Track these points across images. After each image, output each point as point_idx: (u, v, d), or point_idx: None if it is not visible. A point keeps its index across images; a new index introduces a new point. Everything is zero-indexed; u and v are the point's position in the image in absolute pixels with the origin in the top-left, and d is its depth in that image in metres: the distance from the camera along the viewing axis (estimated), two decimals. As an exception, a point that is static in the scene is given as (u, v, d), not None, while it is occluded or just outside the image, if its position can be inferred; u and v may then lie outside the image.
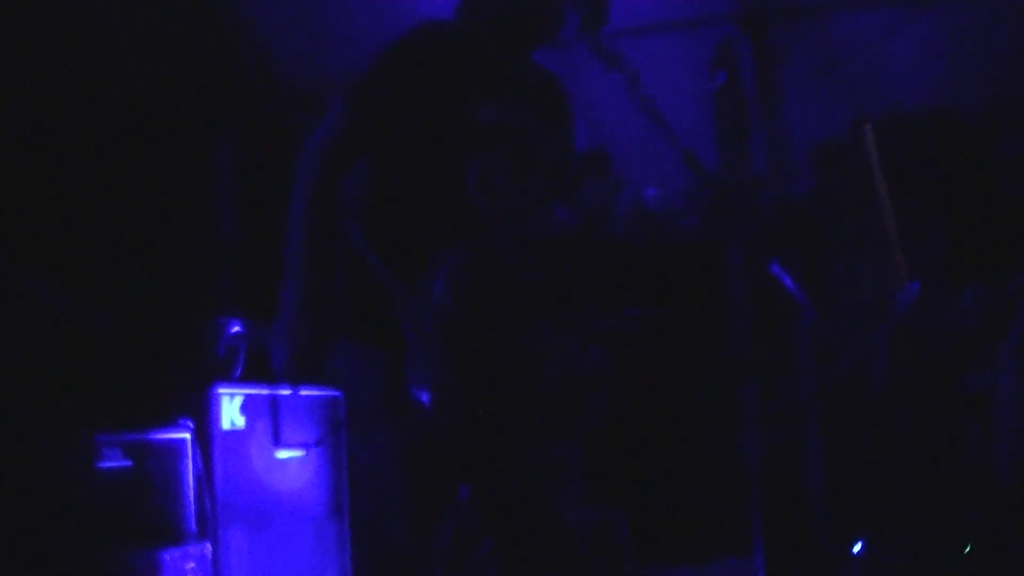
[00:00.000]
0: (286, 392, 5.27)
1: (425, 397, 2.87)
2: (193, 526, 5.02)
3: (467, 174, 2.93)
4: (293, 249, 3.06)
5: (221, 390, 5.25)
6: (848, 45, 5.93)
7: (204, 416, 5.16)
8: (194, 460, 5.09)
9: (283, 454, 5.42)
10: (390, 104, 3.06)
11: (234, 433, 5.22)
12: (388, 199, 3.03)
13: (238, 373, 5.54)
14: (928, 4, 5.79)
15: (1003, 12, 5.81)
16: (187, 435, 5.09)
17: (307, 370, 3.04)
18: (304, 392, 5.51)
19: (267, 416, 5.37)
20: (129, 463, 4.86)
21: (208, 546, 5.00)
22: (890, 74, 5.97)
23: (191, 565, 4.85)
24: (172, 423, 5.07)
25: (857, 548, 5.10)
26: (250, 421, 5.29)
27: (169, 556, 4.80)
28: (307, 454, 5.52)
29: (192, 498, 5.04)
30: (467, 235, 2.94)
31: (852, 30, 5.90)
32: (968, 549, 4.46)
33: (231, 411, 5.23)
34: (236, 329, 5.52)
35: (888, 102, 5.84)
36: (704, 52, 5.04)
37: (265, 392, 5.40)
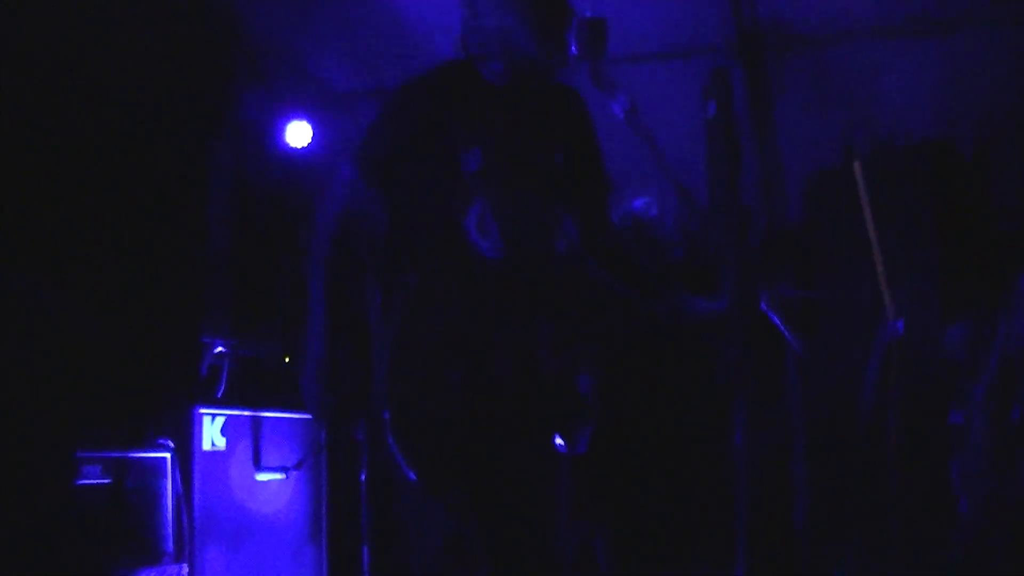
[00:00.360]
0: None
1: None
2: (171, 546, 5.00)
3: (464, 221, 3.00)
4: (316, 294, 3.15)
5: (203, 410, 5.22)
6: (842, 76, 5.92)
7: (185, 435, 5.14)
8: (173, 480, 5.06)
9: (263, 476, 5.38)
10: (385, 160, 3.17)
11: (214, 453, 5.19)
12: (397, 239, 3.13)
13: (221, 393, 5.52)
14: (922, 37, 5.79)
15: (997, 45, 5.81)
16: (167, 454, 5.07)
17: (341, 406, 3.11)
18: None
19: (248, 437, 5.34)
20: (108, 481, 4.84)
21: (185, 567, 4.98)
22: (883, 106, 5.96)
23: (168, 585, 4.83)
24: (153, 441, 5.05)
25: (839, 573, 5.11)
26: (231, 442, 5.27)
27: (146, 575, 4.77)
28: (287, 476, 5.49)
29: (171, 518, 5.02)
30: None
31: (846, 61, 5.89)
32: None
33: (212, 431, 5.21)
34: (220, 349, 5.49)
35: (881, 134, 5.83)
36: (697, 81, 5.02)
37: (247, 413, 5.37)
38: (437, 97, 3.15)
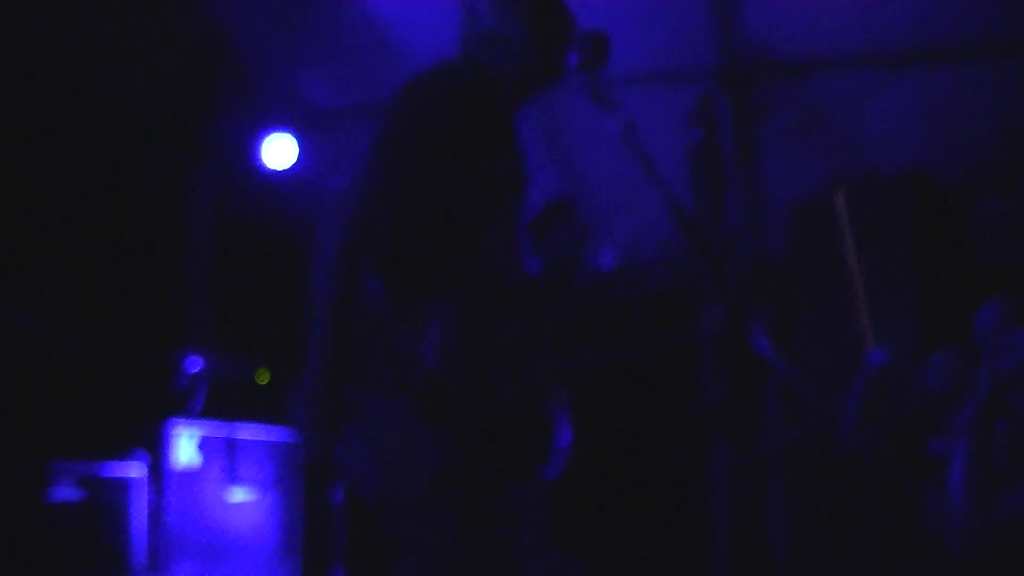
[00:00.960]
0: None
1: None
2: (144, 563, 4.96)
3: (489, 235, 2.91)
4: (324, 306, 2.93)
5: (178, 427, 5.19)
6: (827, 105, 5.93)
7: (160, 452, 5.11)
8: (147, 496, 5.03)
9: (237, 494, 5.34)
10: (404, 169, 2.98)
11: (189, 472, 5.16)
12: (406, 243, 2.96)
13: (198, 410, 5.48)
14: (907, 67, 5.80)
15: (981, 77, 5.84)
16: (141, 470, 5.04)
17: (330, 433, 2.93)
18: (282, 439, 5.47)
19: (223, 455, 5.30)
20: (82, 496, 4.80)
21: (158, 584, 4.94)
22: (868, 135, 5.98)
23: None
24: (127, 457, 5.01)
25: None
26: (206, 459, 5.23)
27: (118, 593, 4.73)
28: (262, 495, 5.45)
29: (144, 534, 4.98)
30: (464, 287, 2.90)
31: (831, 91, 5.91)
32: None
33: (187, 448, 5.17)
34: (198, 365, 5.45)
35: (866, 163, 5.84)
36: (683, 107, 5.03)
37: (223, 431, 5.34)
38: (451, 105, 3.05)
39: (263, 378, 5.79)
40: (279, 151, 6.21)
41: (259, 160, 6.20)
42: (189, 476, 5.13)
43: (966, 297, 5.34)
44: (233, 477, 5.31)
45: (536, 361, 3.02)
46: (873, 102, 5.89)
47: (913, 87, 5.86)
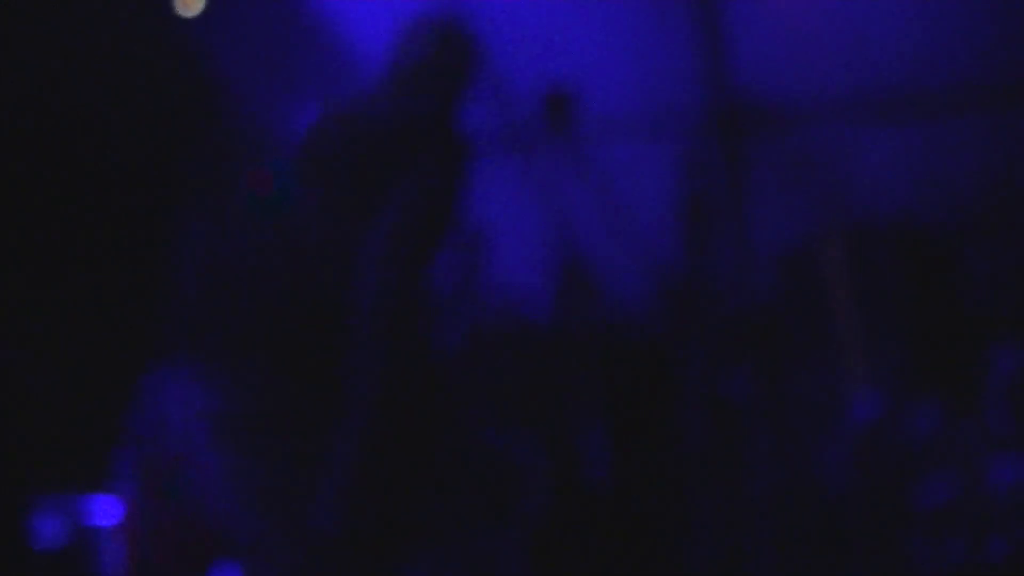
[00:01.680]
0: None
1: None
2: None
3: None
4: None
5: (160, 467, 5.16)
6: (816, 155, 5.96)
7: (141, 495, 5.08)
8: (128, 542, 4.99)
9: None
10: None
11: (173, 512, 5.13)
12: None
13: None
14: (897, 118, 5.84)
15: (970, 128, 5.87)
16: (122, 516, 5.00)
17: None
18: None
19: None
20: (63, 543, 4.78)
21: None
22: (857, 185, 6.00)
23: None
24: (109, 498, 4.99)
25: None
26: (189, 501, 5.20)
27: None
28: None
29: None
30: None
31: (821, 140, 5.93)
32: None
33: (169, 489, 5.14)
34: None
35: (855, 213, 5.86)
36: (673, 155, 5.05)
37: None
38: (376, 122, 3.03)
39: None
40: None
41: (245, 197, 6.20)
42: (172, 519, 5.11)
43: (954, 347, 5.36)
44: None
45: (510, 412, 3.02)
46: (862, 152, 5.92)
47: (903, 137, 5.89)
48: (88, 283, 5.70)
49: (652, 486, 5.24)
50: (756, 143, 5.95)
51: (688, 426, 4.22)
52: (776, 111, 5.88)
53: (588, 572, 5.55)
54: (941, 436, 4.68)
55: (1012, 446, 4.27)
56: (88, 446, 5.27)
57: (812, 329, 5.58)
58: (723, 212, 5.77)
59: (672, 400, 4.89)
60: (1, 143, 5.29)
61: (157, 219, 6.14)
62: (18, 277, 5.38)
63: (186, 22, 5.86)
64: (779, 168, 6.01)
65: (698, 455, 4.54)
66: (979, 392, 4.62)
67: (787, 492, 5.38)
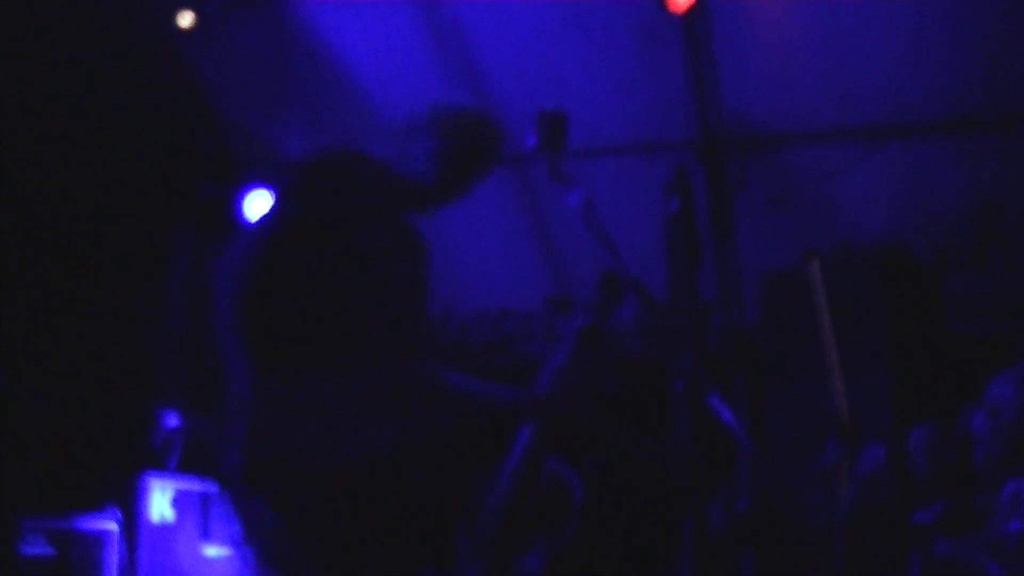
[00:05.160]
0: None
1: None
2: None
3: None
4: None
5: (152, 481, 5.18)
6: (801, 179, 6.00)
7: (133, 507, 5.10)
8: (120, 551, 5.01)
9: (211, 550, 5.34)
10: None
11: (163, 526, 5.15)
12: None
13: (173, 465, 5.48)
14: (881, 142, 5.88)
15: (954, 153, 5.92)
16: (114, 526, 5.02)
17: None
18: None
19: (197, 511, 5.29)
20: (54, 551, 4.78)
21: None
22: (841, 208, 6.04)
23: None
24: (100, 511, 5.00)
25: None
26: (180, 514, 5.22)
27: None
28: (235, 552, 5.44)
29: (115, 590, 4.96)
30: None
31: (806, 164, 5.98)
32: None
33: (161, 503, 5.17)
34: (174, 421, 5.46)
35: (839, 235, 5.90)
36: (660, 177, 5.09)
37: (197, 486, 5.34)
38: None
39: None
40: (260, 207, 6.25)
41: (240, 217, 6.24)
42: (163, 531, 5.12)
43: (938, 370, 5.39)
44: (207, 533, 5.30)
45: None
46: (847, 175, 5.96)
47: (886, 161, 5.94)
48: (81, 307, 5.73)
49: (639, 503, 5.27)
50: (743, 165, 5.99)
51: (676, 443, 4.24)
52: (763, 134, 5.93)
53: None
54: (926, 463, 4.71)
55: (997, 473, 4.28)
56: (81, 460, 5.29)
57: (796, 350, 5.60)
58: (710, 233, 5.80)
59: (660, 416, 4.92)
60: None
61: (149, 235, 6.17)
62: (8, 297, 5.41)
63: (179, 37, 5.91)
64: (766, 190, 6.05)
65: (685, 472, 4.56)
66: (959, 416, 4.64)
67: (772, 510, 5.40)
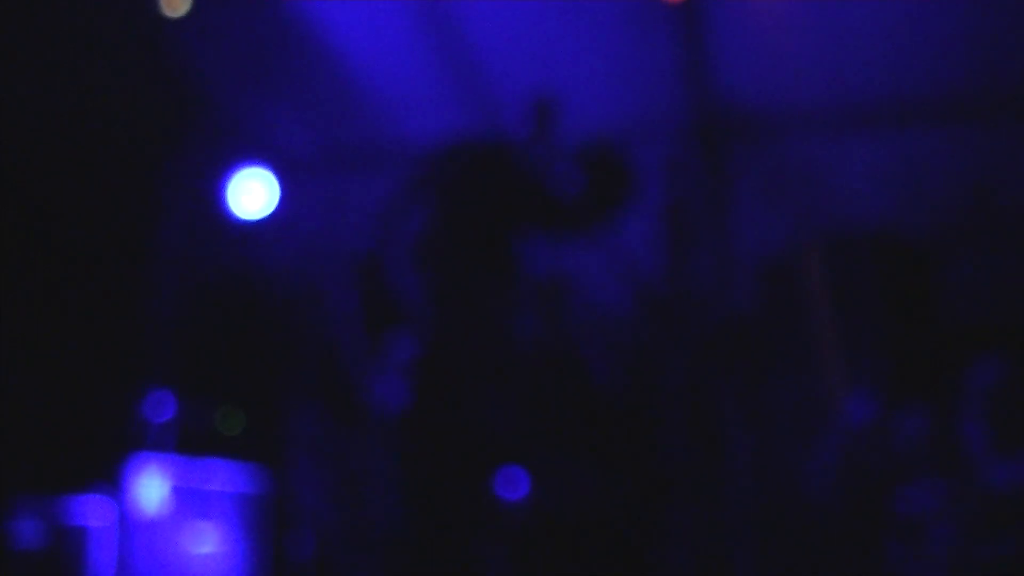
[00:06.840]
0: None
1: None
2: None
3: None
4: None
5: (146, 471, 5.18)
6: (798, 164, 5.99)
7: (126, 499, 5.09)
8: (113, 544, 5.01)
9: (203, 544, 5.33)
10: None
11: (155, 519, 5.14)
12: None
13: (167, 452, 5.46)
14: (878, 128, 5.87)
15: (951, 138, 5.91)
16: (107, 518, 5.02)
17: None
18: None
19: (190, 504, 5.29)
20: (46, 543, 4.78)
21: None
22: (838, 194, 6.03)
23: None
24: (92, 495, 5.00)
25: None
26: (172, 508, 5.22)
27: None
28: (227, 545, 5.43)
29: (108, 583, 4.96)
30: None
31: (802, 150, 5.97)
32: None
33: (154, 497, 5.16)
34: (168, 407, 5.45)
35: (836, 223, 5.90)
36: (656, 164, 5.07)
37: (190, 478, 5.33)
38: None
39: (233, 425, 5.78)
40: (250, 196, 6.25)
41: (229, 204, 6.22)
42: (155, 525, 5.11)
43: (934, 355, 5.39)
44: (199, 527, 5.29)
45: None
46: (844, 161, 5.96)
47: (883, 147, 5.93)
48: (68, 289, 5.71)
49: (634, 497, 5.27)
50: (738, 153, 5.99)
51: (670, 436, 4.24)
52: (758, 121, 5.92)
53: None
54: (924, 443, 4.71)
55: (991, 454, 4.30)
56: (72, 448, 5.27)
57: (793, 338, 5.61)
58: (705, 220, 5.80)
59: (654, 409, 4.91)
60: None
61: (138, 221, 6.15)
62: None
63: (170, 24, 5.87)
64: (761, 177, 6.04)
65: (681, 464, 4.56)
66: (959, 401, 4.65)
67: (769, 500, 5.40)
